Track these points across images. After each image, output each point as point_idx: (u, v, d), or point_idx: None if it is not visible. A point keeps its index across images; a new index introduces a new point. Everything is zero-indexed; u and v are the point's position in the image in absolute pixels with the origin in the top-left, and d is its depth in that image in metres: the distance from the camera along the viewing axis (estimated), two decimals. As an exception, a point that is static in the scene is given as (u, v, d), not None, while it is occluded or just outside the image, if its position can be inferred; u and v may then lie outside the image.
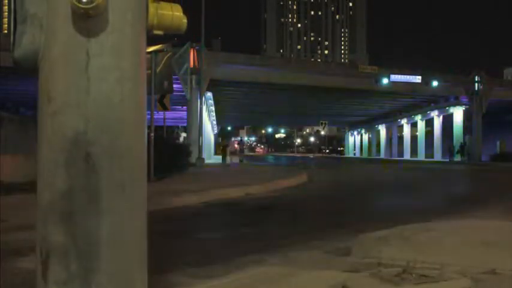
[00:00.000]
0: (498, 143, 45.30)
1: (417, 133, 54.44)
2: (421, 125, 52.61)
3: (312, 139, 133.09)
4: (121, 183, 1.53)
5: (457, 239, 4.26)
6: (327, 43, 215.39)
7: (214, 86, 31.46)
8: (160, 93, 13.93)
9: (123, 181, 1.54)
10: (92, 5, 1.43)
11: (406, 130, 56.23)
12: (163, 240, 5.19)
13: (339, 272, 3.48)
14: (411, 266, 3.42)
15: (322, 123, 51.81)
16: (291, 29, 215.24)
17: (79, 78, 1.52)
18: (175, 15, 1.70)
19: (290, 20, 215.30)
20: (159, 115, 16.79)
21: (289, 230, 6.28)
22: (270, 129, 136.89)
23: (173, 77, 18.89)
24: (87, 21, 1.50)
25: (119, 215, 1.52)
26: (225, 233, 6.10)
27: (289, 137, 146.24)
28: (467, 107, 43.46)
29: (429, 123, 51.68)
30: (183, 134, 35.94)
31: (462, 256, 3.88)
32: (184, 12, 1.73)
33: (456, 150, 43.72)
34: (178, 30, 1.72)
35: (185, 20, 1.73)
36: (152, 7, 1.66)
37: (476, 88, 41.38)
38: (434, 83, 39.73)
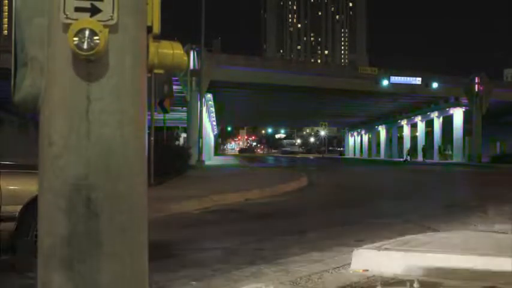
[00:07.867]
0: (499, 144, 45.30)
1: (417, 134, 54.32)
2: (421, 126, 52.53)
3: (312, 139, 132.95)
4: (121, 227, 1.54)
5: (457, 251, 4.26)
6: (327, 43, 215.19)
7: (214, 87, 31.42)
8: (160, 98, 13.92)
9: (123, 224, 1.54)
10: (92, 52, 1.44)
11: (406, 131, 56.12)
12: (163, 250, 5.19)
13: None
14: (411, 284, 3.42)
15: (322, 124, 51.82)
16: (291, 29, 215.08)
17: (79, 122, 1.52)
18: (176, 53, 1.70)
19: (290, 20, 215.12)
20: (159, 116, 16.76)
21: (289, 239, 6.28)
22: (270, 130, 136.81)
23: (173, 78, 18.91)
24: (88, 66, 1.51)
25: (120, 258, 1.52)
26: (224, 243, 6.09)
27: (289, 137, 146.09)
28: (467, 108, 43.42)
29: (429, 124, 51.61)
30: (183, 135, 35.91)
31: (462, 269, 3.89)
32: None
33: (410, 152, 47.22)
34: (179, 68, 1.73)
35: (186, 58, 1.74)
36: (153, 47, 1.66)
37: (476, 89, 41.29)
38: (434, 85, 39.75)
